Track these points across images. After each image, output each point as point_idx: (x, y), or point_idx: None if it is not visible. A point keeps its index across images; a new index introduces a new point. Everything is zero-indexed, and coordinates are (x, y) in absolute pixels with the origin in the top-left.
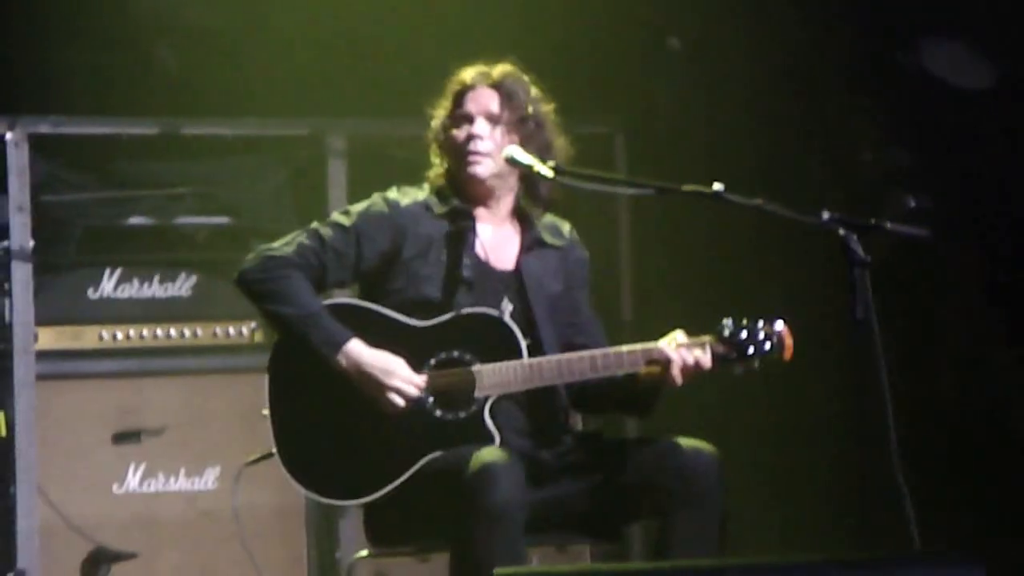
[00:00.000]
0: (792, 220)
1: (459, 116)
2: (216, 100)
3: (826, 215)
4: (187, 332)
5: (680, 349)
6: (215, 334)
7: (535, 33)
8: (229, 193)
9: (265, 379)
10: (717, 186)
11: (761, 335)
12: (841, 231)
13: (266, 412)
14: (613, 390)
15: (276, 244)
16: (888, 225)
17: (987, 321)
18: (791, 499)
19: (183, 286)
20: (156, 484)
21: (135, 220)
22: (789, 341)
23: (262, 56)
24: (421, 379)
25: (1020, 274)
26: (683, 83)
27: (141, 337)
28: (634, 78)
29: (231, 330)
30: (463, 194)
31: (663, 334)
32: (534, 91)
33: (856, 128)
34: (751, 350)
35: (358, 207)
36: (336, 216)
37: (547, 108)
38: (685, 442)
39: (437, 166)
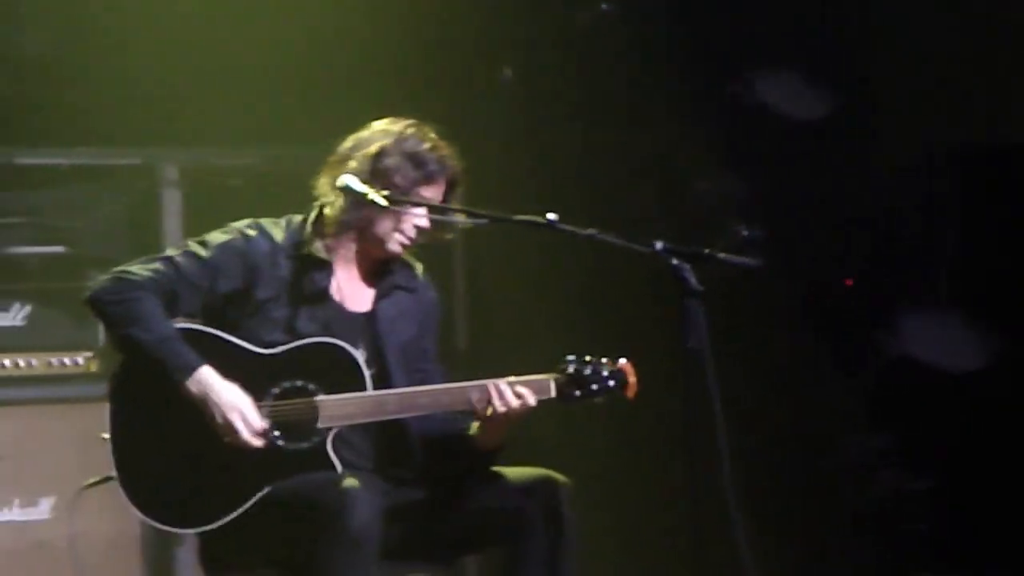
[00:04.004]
0: (625, 249)
1: (416, 198)
2: (51, 129)
3: (659, 245)
4: (21, 362)
5: (511, 384)
6: (50, 364)
7: (369, 60)
8: (63, 222)
9: (105, 404)
10: (550, 216)
11: (605, 372)
12: (674, 261)
13: (106, 436)
14: (456, 445)
15: (131, 267)
16: (720, 255)
17: (816, 350)
18: (627, 530)
19: (17, 316)
20: None
21: None
22: (633, 379)
23: (96, 85)
24: (262, 424)
25: (849, 303)
26: (516, 113)
27: None
28: (467, 108)
29: (66, 360)
30: (337, 236)
31: (499, 363)
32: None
33: (689, 157)
34: (595, 387)
35: (216, 239)
36: (193, 246)
37: None
38: (537, 471)
39: (336, 202)
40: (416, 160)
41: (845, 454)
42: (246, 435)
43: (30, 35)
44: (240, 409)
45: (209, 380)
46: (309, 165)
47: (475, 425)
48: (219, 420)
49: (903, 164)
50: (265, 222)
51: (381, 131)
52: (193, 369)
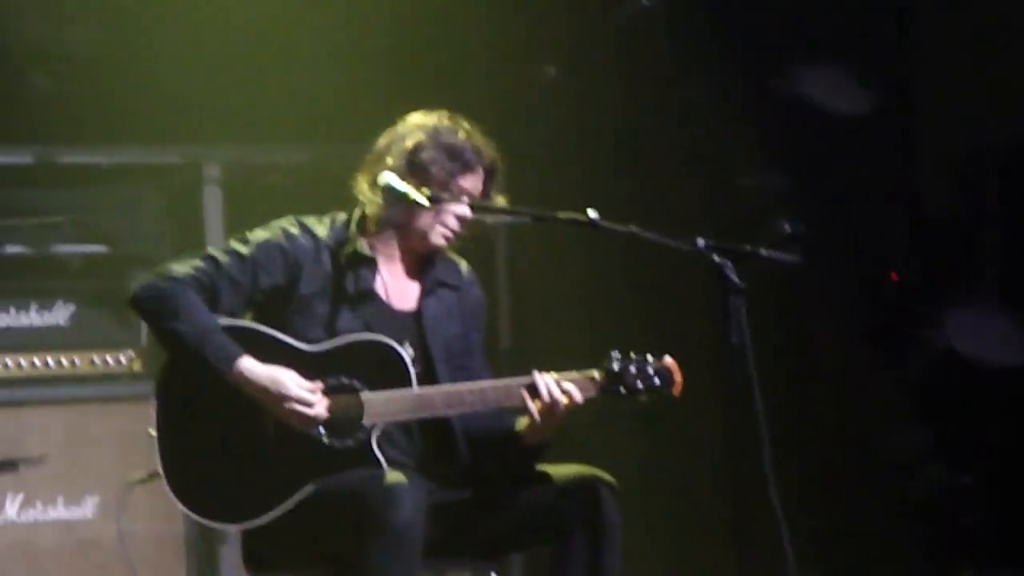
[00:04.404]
0: (668, 247)
1: (456, 189)
2: (92, 128)
3: (701, 242)
4: (65, 361)
5: (558, 381)
6: (93, 362)
7: (412, 58)
8: (105, 221)
9: (149, 402)
10: (592, 213)
11: (650, 370)
12: (716, 258)
13: (153, 432)
14: (501, 443)
15: (172, 265)
16: (763, 252)
17: (861, 344)
18: (669, 526)
19: (61, 315)
20: (34, 513)
21: (11, 248)
22: (678, 376)
23: (138, 84)
24: (317, 389)
25: (892, 298)
26: (558, 110)
27: (19, 366)
28: (509, 105)
29: (109, 358)
30: (379, 234)
31: (541, 362)
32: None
33: (733, 154)
34: (639, 385)
35: (257, 236)
36: (234, 243)
37: None
38: (582, 469)
39: (374, 200)
40: (452, 151)
41: (890, 448)
42: (301, 408)
43: (72, 33)
44: (290, 389)
45: (251, 367)
46: (352, 163)
47: (522, 421)
48: (273, 403)
49: (949, 159)
50: (308, 219)
51: (415, 125)
52: (234, 359)
